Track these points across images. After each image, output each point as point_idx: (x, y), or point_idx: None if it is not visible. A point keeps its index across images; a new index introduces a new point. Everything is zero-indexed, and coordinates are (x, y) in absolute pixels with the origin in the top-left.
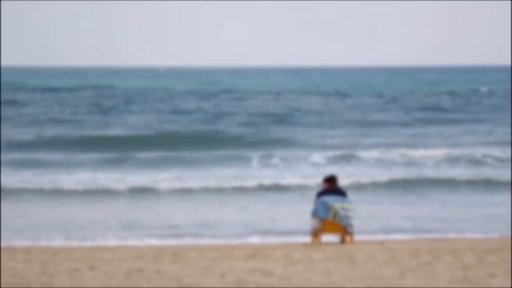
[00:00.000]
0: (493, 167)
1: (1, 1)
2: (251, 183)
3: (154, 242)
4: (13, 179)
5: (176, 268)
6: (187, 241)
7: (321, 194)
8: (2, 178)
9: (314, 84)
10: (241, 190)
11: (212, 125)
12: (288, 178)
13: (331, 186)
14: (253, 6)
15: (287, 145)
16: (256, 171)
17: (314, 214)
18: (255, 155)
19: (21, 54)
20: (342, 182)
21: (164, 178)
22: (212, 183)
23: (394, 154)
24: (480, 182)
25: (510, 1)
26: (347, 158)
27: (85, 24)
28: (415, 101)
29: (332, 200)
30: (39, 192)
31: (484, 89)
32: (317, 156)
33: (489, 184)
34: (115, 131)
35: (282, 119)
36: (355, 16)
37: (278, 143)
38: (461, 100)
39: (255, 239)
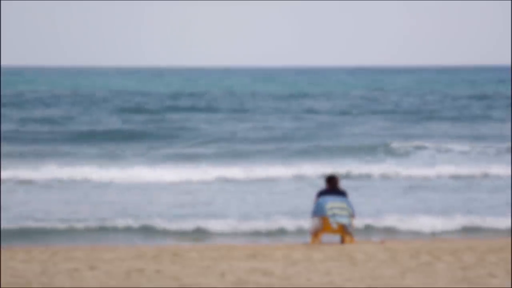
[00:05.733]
0: None
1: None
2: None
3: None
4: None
5: (176, 268)
6: None
7: (321, 194)
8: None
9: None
10: None
11: None
12: None
13: (331, 186)
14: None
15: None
16: None
17: (314, 213)
18: None
19: (21, 54)
20: None
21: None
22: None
23: None
24: None
25: (510, 1)
26: None
27: (87, 24)
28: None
29: (329, 200)
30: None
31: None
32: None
33: None
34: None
35: None
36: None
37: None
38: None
39: None
